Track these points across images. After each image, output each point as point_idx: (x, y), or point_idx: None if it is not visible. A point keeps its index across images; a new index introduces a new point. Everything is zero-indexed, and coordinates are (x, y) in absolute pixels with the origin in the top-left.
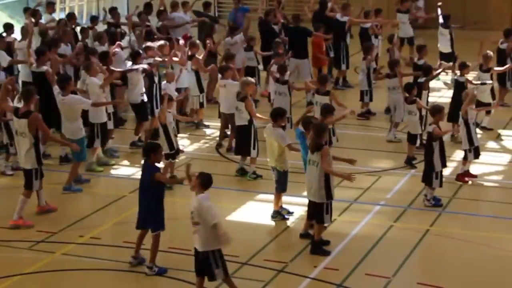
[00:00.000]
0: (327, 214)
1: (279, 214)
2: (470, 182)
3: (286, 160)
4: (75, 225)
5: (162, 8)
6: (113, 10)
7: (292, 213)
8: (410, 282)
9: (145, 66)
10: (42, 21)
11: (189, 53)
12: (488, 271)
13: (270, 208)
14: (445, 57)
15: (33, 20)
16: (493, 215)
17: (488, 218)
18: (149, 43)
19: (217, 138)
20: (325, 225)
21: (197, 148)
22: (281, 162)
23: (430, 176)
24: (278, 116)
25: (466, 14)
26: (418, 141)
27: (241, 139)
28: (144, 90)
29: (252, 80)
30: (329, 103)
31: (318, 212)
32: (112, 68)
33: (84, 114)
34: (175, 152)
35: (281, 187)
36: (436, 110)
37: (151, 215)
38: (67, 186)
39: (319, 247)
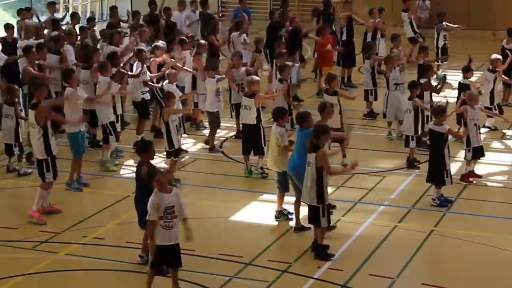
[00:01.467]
0: (323, 217)
1: (283, 215)
2: (474, 182)
3: (284, 161)
4: (79, 225)
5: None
6: (113, 10)
7: (292, 213)
8: (415, 283)
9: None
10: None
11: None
12: (492, 271)
13: (274, 208)
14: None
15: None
16: (497, 215)
17: (492, 219)
18: (156, 43)
19: (221, 138)
20: (329, 231)
21: (200, 148)
22: (278, 163)
23: (441, 175)
24: (278, 115)
25: (471, 13)
26: (414, 143)
27: (250, 139)
28: (146, 88)
29: (257, 78)
30: (325, 102)
31: (315, 215)
32: (123, 71)
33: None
34: (175, 150)
35: (282, 187)
36: (439, 111)
37: (141, 213)
38: (69, 182)
39: (322, 251)
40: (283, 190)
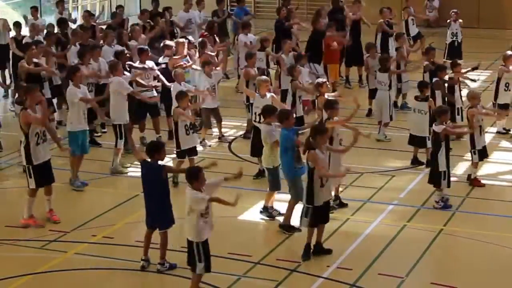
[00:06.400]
0: (305, 217)
1: (267, 211)
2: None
3: (273, 158)
4: (88, 224)
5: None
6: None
7: (280, 213)
8: (424, 282)
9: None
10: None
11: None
12: (502, 271)
13: (283, 207)
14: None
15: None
16: (507, 214)
17: (501, 218)
18: (167, 42)
19: (230, 137)
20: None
21: (210, 148)
22: (267, 159)
23: (438, 176)
24: (267, 113)
25: (479, 13)
26: (430, 142)
27: (259, 140)
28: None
29: (267, 78)
30: (331, 99)
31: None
32: (131, 63)
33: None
34: (182, 151)
35: (271, 185)
36: (441, 111)
37: (159, 214)
38: (73, 180)
39: (306, 250)
40: (272, 188)
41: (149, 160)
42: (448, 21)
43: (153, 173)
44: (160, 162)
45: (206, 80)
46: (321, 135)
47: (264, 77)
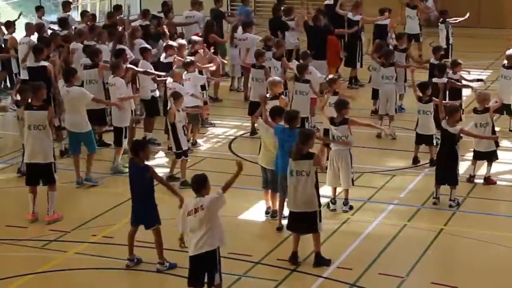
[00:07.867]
0: (320, 221)
1: (273, 214)
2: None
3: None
4: (88, 224)
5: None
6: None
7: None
8: (424, 282)
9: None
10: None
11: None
12: (503, 271)
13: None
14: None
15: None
16: (507, 214)
17: (502, 218)
18: (170, 42)
19: (230, 137)
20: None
21: (209, 147)
22: (274, 162)
23: (456, 175)
24: (276, 114)
25: (480, 13)
26: (435, 141)
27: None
28: (155, 86)
29: (280, 79)
30: (343, 98)
31: (312, 222)
32: (130, 66)
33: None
34: (184, 151)
35: (275, 186)
36: (452, 109)
37: (143, 213)
38: (88, 177)
39: (322, 258)
40: (276, 189)
41: (135, 159)
42: (447, 21)
43: (137, 172)
44: (146, 163)
45: (197, 78)
46: (313, 139)
47: (277, 78)
